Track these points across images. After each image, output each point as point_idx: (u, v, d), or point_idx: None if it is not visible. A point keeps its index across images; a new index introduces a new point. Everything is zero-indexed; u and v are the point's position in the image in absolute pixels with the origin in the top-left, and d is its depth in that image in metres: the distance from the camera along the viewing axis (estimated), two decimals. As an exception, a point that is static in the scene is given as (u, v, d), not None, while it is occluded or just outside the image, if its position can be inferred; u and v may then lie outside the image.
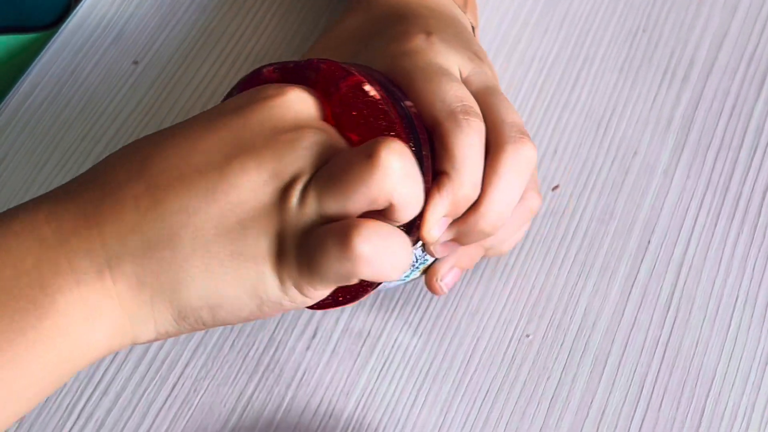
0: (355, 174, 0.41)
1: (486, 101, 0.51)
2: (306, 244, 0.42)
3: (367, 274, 0.42)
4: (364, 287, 0.47)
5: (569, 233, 0.61)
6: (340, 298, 0.47)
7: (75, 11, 0.68)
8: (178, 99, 0.65)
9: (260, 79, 0.48)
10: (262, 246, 0.42)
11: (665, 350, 0.58)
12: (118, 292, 0.42)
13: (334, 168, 0.42)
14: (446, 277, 0.54)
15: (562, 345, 0.58)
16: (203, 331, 0.58)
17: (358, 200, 0.42)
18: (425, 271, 0.54)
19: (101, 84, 0.65)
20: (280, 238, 0.42)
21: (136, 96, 0.65)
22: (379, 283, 0.48)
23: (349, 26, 0.59)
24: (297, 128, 0.43)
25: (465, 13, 0.60)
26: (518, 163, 0.49)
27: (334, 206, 0.42)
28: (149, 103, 0.65)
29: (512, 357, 0.57)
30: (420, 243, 0.50)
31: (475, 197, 0.49)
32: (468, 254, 0.54)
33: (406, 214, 0.43)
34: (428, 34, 0.53)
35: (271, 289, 0.43)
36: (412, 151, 0.46)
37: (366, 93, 0.46)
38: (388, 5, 0.58)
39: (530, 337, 0.58)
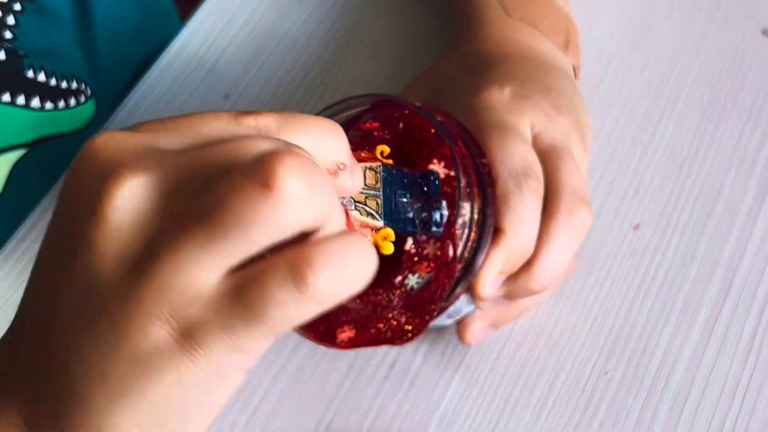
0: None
1: (550, 162, 0.52)
2: (234, 295, 0.34)
3: (330, 305, 0.35)
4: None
5: (650, 273, 0.61)
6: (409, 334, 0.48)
7: (171, 44, 0.70)
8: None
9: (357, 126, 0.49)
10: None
11: (745, 393, 0.58)
12: None
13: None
14: (479, 333, 0.56)
15: (641, 384, 0.58)
16: (283, 357, 0.59)
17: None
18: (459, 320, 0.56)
19: (191, 115, 0.67)
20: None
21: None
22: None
23: (443, 73, 0.60)
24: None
25: (567, 53, 0.61)
26: (571, 228, 0.51)
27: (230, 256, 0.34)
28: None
29: (590, 393, 0.57)
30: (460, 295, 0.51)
31: (528, 256, 0.50)
32: (508, 314, 0.56)
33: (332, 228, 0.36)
34: (503, 87, 0.54)
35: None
36: (481, 210, 0.48)
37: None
38: (479, 54, 0.59)
39: (609, 374, 0.58)
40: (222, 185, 0.33)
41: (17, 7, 0.60)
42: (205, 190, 0.33)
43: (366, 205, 0.44)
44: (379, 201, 0.45)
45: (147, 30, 0.73)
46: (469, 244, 0.48)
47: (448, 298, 0.49)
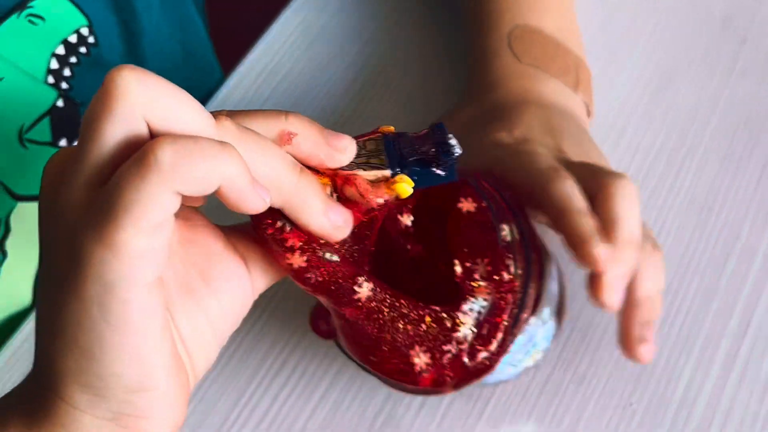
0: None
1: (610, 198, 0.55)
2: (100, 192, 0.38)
3: (179, 183, 0.37)
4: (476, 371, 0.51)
5: (672, 310, 0.64)
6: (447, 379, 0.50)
7: (215, 96, 0.74)
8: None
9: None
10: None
11: (763, 426, 0.60)
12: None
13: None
14: (646, 335, 0.56)
15: (664, 415, 0.60)
16: (324, 386, 0.62)
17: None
18: (536, 359, 0.58)
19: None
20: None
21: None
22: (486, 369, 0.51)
23: (461, 117, 0.64)
24: None
25: (577, 92, 0.65)
26: (628, 193, 0.54)
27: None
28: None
29: (617, 424, 0.60)
30: (529, 319, 0.53)
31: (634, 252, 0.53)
32: (650, 303, 0.56)
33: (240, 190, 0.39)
34: (512, 131, 0.58)
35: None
36: (519, 231, 0.52)
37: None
38: (491, 105, 0.63)
39: (633, 405, 0.61)
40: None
41: (73, 59, 0.64)
42: None
43: (370, 164, 0.45)
44: (383, 156, 0.46)
45: (192, 84, 0.77)
46: (519, 263, 0.51)
47: (516, 324, 0.51)
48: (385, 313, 0.48)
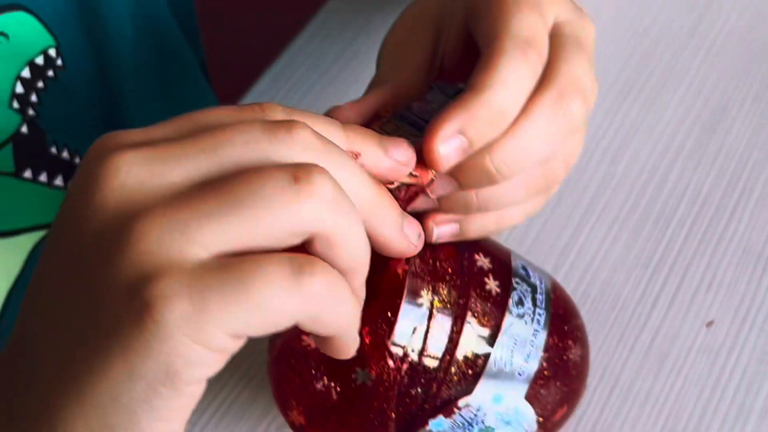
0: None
1: (562, 50, 0.44)
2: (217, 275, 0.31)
3: (307, 317, 0.32)
4: None
5: (726, 372, 0.56)
6: None
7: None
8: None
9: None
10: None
11: None
12: None
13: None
14: (442, 224, 0.45)
15: (717, 493, 0.52)
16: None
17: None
18: None
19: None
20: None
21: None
22: None
23: None
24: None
25: None
26: (555, 114, 0.43)
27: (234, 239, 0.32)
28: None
29: (662, 502, 0.52)
30: (465, 401, 0.45)
31: (497, 130, 0.42)
32: (475, 221, 0.46)
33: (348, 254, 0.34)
34: None
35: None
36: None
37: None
38: None
39: (682, 481, 0.53)
40: (247, 173, 0.32)
41: (40, 84, 0.57)
42: (208, 169, 0.32)
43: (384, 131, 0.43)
44: (407, 129, 0.43)
45: (179, 110, 0.71)
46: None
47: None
48: None
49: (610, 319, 0.59)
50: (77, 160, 0.59)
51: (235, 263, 0.31)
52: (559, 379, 0.48)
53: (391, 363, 0.43)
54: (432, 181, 0.41)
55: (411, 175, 0.40)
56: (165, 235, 0.31)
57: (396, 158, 0.39)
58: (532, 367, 0.46)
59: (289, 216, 0.31)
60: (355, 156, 0.37)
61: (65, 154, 0.59)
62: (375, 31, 0.72)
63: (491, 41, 0.42)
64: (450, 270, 0.45)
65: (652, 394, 0.55)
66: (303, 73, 0.71)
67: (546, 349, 0.47)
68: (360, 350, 0.39)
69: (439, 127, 0.41)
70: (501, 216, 0.46)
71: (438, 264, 0.45)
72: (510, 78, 0.41)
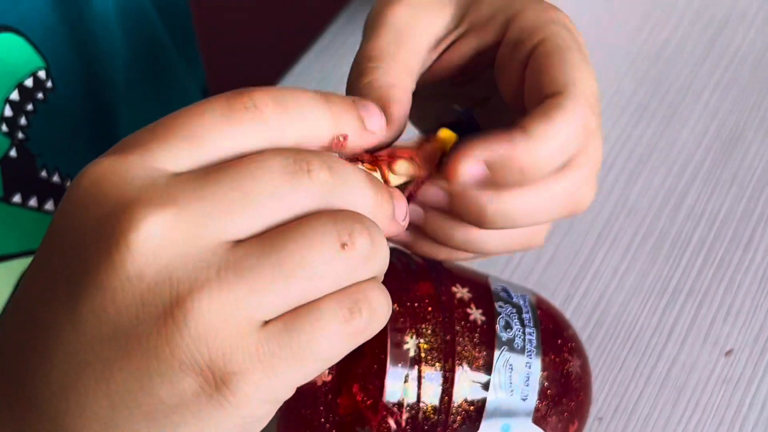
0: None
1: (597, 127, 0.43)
2: None
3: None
4: None
5: (745, 403, 0.54)
6: None
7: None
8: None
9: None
10: None
11: None
12: None
13: None
14: (472, 165, 0.40)
15: None
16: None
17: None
18: None
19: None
20: None
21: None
22: None
23: None
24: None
25: None
26: (572, 192, 0.42)
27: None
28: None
29: None
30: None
31: (522, 181, 0.40)
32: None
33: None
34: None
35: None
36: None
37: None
38: None
39: None
40: (290, 235, 0.32)
41: (29, 107, 0.56)
42: (248, 232, 0.32)
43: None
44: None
45: None
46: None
47: None
48: None
49: (626, 347, 0.57)
50: (68, 183, 0.58)
51: (295, 324, 0.32)
52: (564, 394, 0.46)
53: (391, 421, 0.42)
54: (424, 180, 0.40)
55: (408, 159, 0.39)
56: (226, 312, 0.31)
57: (372, 128, 0.37)
58: (534, 388, 0.45)
59: (338, 282, 0.33)
60: (344, 139, 0.36)
61: (56, 178, 0.57)
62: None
63: (558, 90, 0.41)
64: (430, 308, 0.44)
65: (669, 427, 0.53)
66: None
67: (544, 368, 0.45)
68: (356, 409, 0.38)
69: (476, 149, 0.39)
70: (530, 238, 0.45)
71: (417, 305, 0.44)
72: (565, 141, 0.40)
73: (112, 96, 0.61)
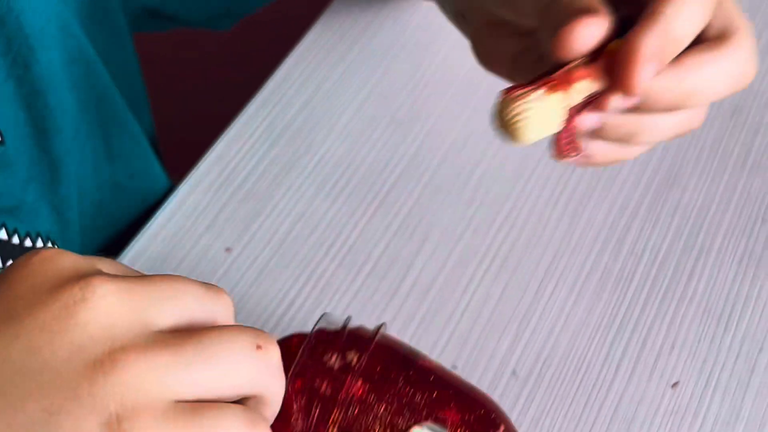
0: None
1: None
2: None
3: None
4: None
5: (692, 435, 0.56)
6: None
7: (168, 199, 0.66)
8: (271, 286, 0.62)
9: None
10: None
11: None
12: None
13: None
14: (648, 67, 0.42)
15: None
16: None
17: None
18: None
19: (193, 272, 0.63)
20: None
21: (228, 284, 0.62)
22: None
23: None
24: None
25: None
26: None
27: None
28: (242, 290, 0.62)
29: None
30: None
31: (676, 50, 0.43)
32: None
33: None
34: None
35: None
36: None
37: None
38: None
39: None
40: (216, 329, 0.37)
41: None
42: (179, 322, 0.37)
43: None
44: None
45: (128, 195, 0.69)
46: None
47: None
48: None
49: (576, 383, 0.58)
50: (15, 239, 0.58)
51: (204, 411, 0.35)
52: None
53: None
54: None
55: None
56: (150, 376, 0.34)
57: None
58: None
59: (251, 381, 0.37)
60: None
61: (3, 235, 0.57)
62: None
63: None
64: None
65: (619, 461, 0.55)
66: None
67: None
68: None
69: (640, 53, 0.41)
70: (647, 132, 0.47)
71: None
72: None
73: (59, 150, 0.61)
